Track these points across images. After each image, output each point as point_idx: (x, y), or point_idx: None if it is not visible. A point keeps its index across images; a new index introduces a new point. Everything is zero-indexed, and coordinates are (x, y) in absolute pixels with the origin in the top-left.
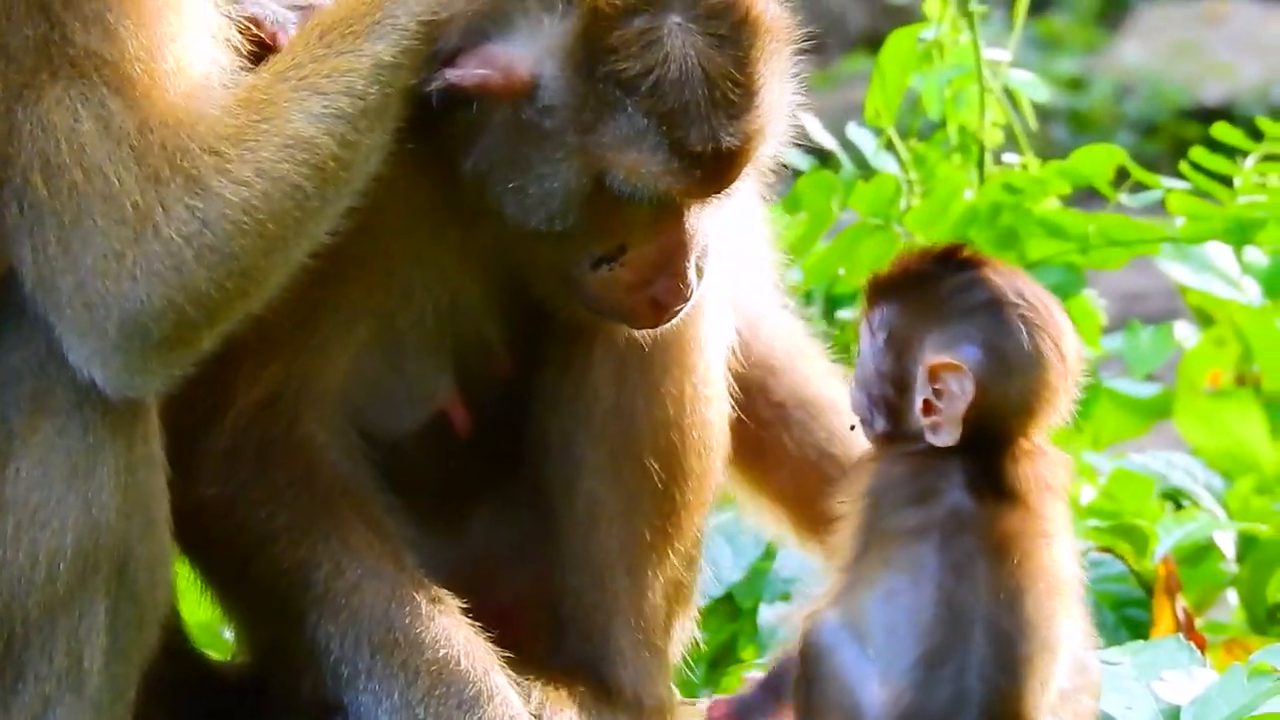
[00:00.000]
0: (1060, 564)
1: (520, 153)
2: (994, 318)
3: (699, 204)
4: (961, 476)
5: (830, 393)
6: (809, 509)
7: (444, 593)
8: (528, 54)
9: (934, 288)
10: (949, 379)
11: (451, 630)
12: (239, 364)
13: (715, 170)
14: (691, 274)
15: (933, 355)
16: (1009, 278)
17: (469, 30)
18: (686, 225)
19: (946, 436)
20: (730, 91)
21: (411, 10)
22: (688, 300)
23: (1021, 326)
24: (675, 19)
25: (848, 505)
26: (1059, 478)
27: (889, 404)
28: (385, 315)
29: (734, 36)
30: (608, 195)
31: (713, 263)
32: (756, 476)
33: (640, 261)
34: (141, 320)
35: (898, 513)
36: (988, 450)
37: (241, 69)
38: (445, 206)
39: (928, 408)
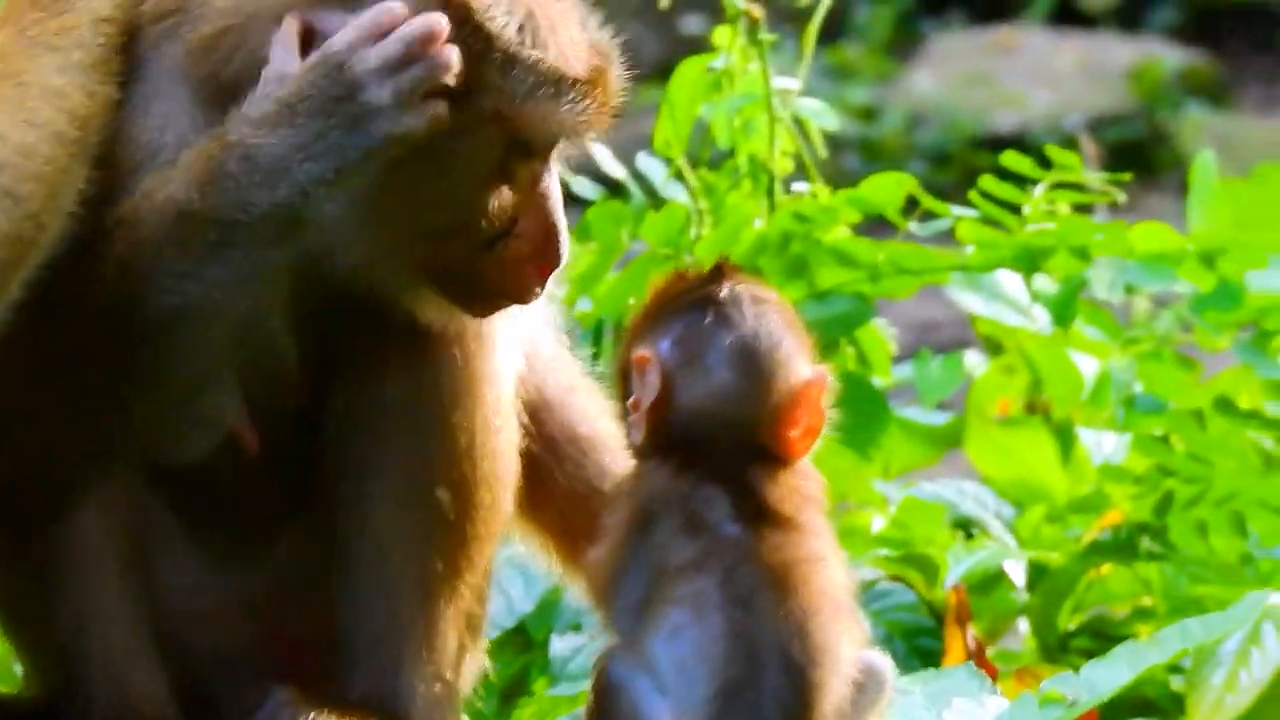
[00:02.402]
0: (837, 580)
1: (414, 154)
2: (699, 317)
3: (577, 143)
4: (727, 503)
5: (603, 429)
6: (578, 544)
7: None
8: None
9: (673, 295)
10: (645, 373)
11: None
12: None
13: (602, 95)
14: (565, 231)
15: (635, 350)
16: (746, 290)
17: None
18: (554, 176)
19: (635, 434)
20: (579, 22)
21: None
22: (565, 257)
23: (723, 329)
24: None
25: (614, 533)
26: (818, 492)
27: (624, 411)
28: None
29: None
30: (506, 164)
31: None
32: (527, 510)
33: (530, 229)
34: None
35: (670, 544)
36: (744, 472)
37: None
38: None
39: (634, 405)
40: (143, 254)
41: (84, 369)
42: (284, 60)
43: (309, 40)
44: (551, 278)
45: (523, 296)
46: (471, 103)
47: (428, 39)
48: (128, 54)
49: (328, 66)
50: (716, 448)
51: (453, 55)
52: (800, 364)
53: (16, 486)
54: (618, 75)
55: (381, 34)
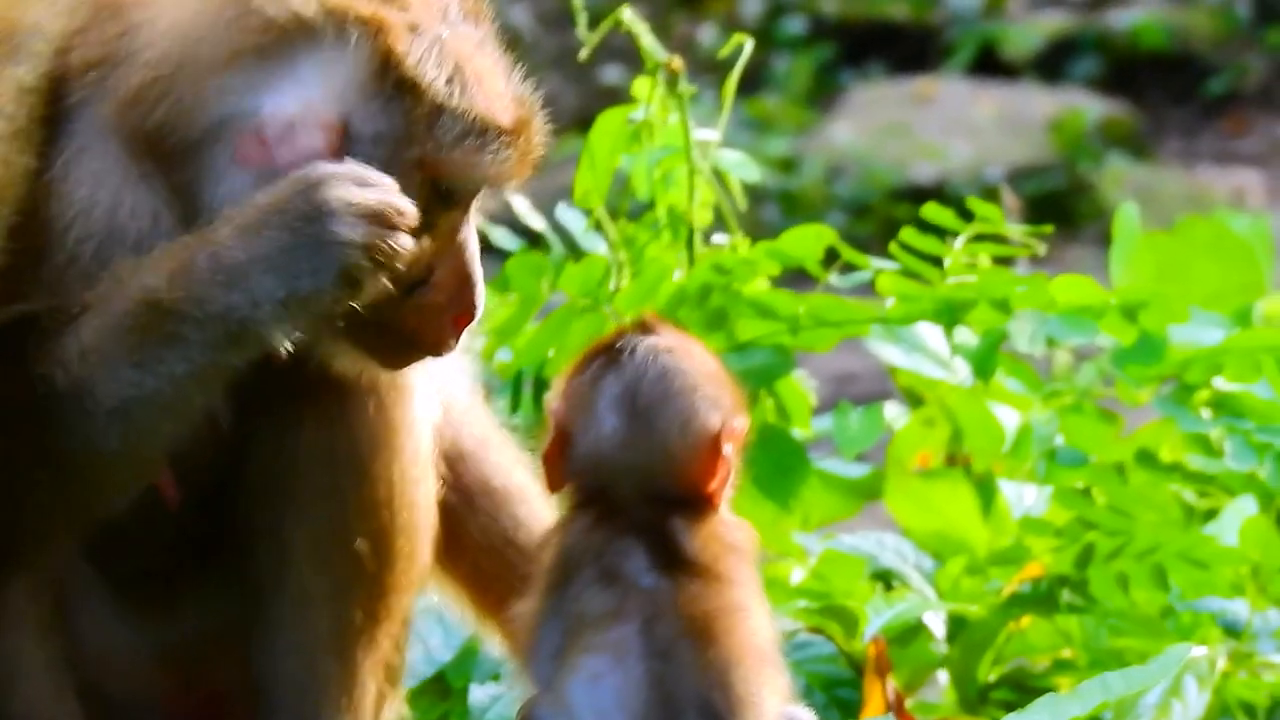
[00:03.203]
0: (760, 632)
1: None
2: (594, 367)
3: (497, 193)
4: (643, 553)
5: (518, 481)
6: (492, 595)
7: None
8: (324, 97)
9: (589, 351)
10: (551, 423)
11: None
12: None
13: (525, 145)
14: (482, 284)
15: (550, 402)
16: (652, 341)
17: (225, 111)
18: (472, 235)
19: (544, 484)
20: (503, 74)
21: (45, 34)
22: (480, 307)
23: (612, 378)
24: (443, 29)
25: (535, 583)
26: (742, 541)
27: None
28: None
29: (484, 40)
30: (430, 211)
31: None
32: (442, 561)
33: (446, 278)
34: None
35: (587, 594)
36: (661, 522)
37: None
38: None
39: (543, 455)
40: (105, 339)
41: (20, 443)
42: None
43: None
44: (467, 329)
45: (438, 348)
46: (398, 151)
47: (403, 214)
48: (55, 112)
49: (307, 184)
50: (631, 498)
51: (408, 245)
52: (706, 414)
53: None
54: (539, 126)
55: (364, 182)
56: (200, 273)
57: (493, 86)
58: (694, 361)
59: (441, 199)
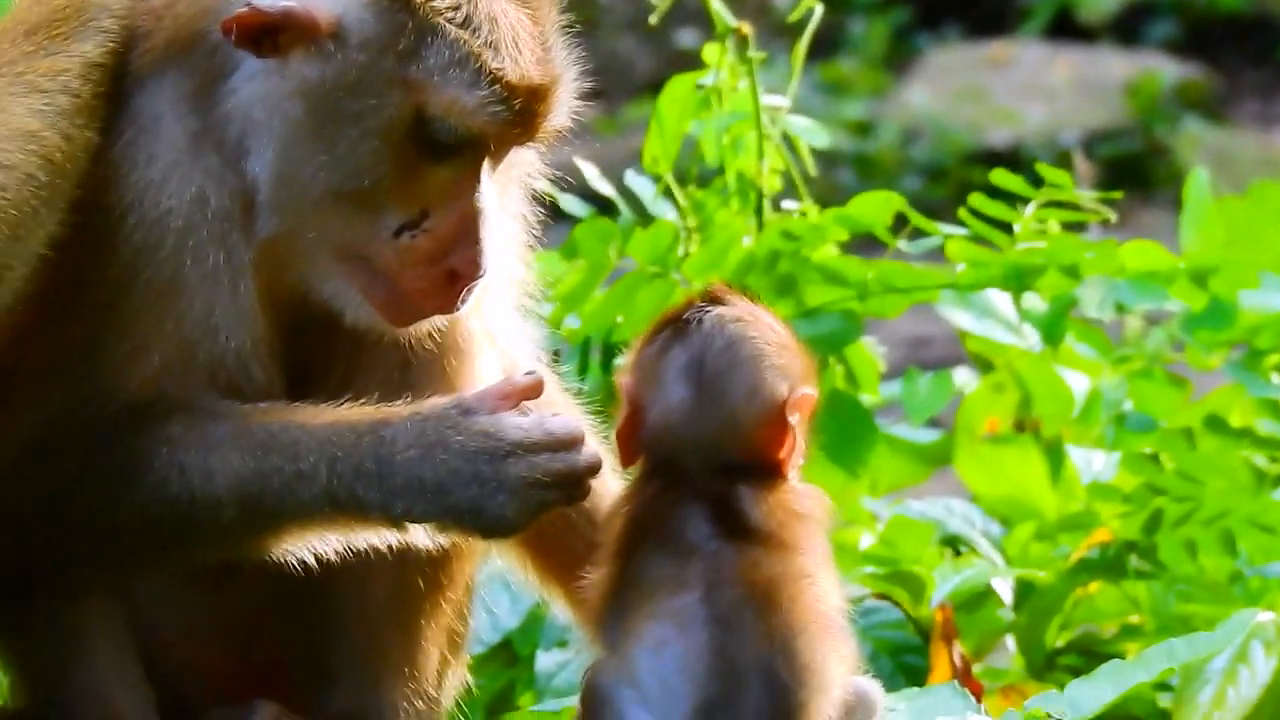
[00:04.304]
0: (826, 601)
1: (327, 105)
2: (661, 339)
3: (502, 153)
4: (706, 521)
5: None
6: (555, 561)
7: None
8: None
9: (658, 321)
10: (622, 398)
11: None
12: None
13: (527, 108)
14: (486, 244)
15: (620, 376)
16: (720, 311)
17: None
18: (482, 191)
19: (616, 456)
20: (534, 35)
21: (113, 10)
22: (480, 276)
23: (679, 349)
24: None
25: (604, 551)
26: (813, 509)
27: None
28: (175, 349)
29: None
30: (419, 144)
31: (481, 315)
32: None
33: (441, 228)
34: None
35: (651, 562)
36: (727, 490)
37: None
38: (243, 222)
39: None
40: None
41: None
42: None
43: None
44: (470, 290)
45: (431, 301)
46: (381, 61)
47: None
48: (120, 89)
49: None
50: (698, 468)
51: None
52: (773, 382)
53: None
54: (558, 97)
55: (553, 446)
56: (359, 460)
57: (511, 37)
58: (762, 330)
59: (431, 141)
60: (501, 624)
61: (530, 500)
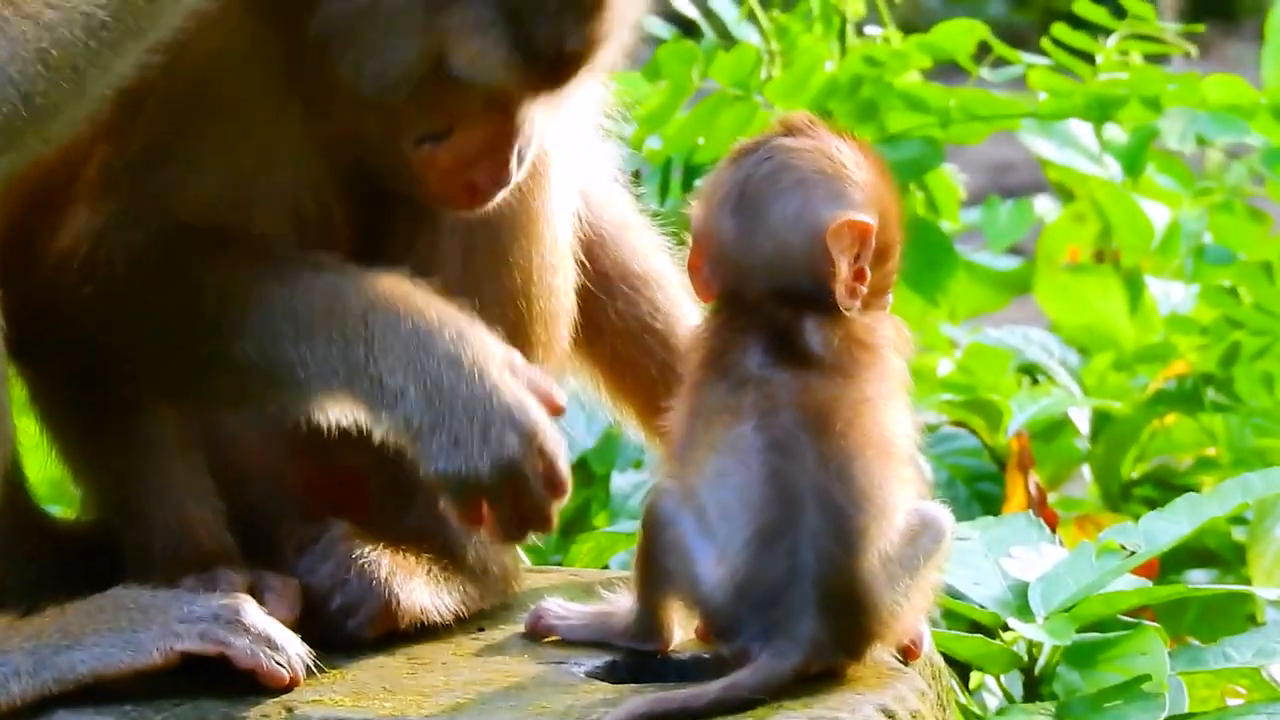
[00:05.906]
0: (888, 426)
1: (363, 23)
2: (724, 169)
3: (531, 99)
4: (762, 349)
5: (657, 267)
6: (628, 381)
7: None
8: None
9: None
10: (691, 230)
11: None
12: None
13: (555, 70)
14: (513, 163)
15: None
16: (783, 140)
17: None
18: (515, 116)
19: (691, 294)
20: (585, 9)
21: None
22: (504, 187)
23: (735, 178)
24: None
25: (682, 383)
26: (883, 338)
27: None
28: (231, 182)
29: None
30: (444, 78)
31: (554, 133)
32: (580, 347)
33: (463, 145)
34: None
35: (711, 392)
36: (790, 319)
37: None
38: (291, 75)
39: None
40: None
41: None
42: None
43: None
44: (494, 193)
45: (448, 203)
46: (413, 5)
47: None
48: None
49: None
50: (759, 297)
51: None
52: (816, 209)
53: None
54: (590, 63)
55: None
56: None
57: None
58: (814, 159)
59: (449, 75)
60: (578, 443)
61: (502, 467)
